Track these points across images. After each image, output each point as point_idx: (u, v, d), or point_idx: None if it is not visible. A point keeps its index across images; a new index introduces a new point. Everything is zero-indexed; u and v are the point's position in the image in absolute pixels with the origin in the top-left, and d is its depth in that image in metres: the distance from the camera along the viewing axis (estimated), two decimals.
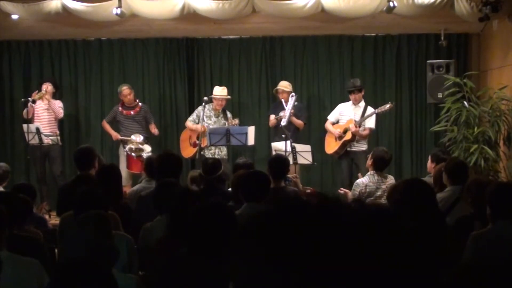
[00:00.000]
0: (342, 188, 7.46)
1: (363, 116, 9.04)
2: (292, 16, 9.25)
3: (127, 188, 7.55)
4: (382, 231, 1.05)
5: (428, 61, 9.80)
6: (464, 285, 2.03)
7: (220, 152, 9.33)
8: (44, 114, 9.57)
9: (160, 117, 10.37)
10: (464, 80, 8.77)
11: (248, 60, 10.43)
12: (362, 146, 9.05)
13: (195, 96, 10.38)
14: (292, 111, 9.17)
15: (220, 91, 9.52)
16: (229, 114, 9.64)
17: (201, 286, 3.21)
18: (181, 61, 10.47)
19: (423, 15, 9.07)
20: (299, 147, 8.66)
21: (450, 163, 5.86)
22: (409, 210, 3.82)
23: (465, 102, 8.69)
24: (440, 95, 9.36)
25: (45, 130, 9.36)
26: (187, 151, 9.60)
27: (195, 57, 10.48)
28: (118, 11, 8.76)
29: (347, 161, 9.13)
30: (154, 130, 9.75)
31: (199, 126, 9.30)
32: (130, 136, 9.41)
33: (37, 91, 9.60)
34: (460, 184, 5.36)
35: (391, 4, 8.45)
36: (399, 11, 8.77)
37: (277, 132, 9.34)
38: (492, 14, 8.10)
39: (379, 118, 9.37)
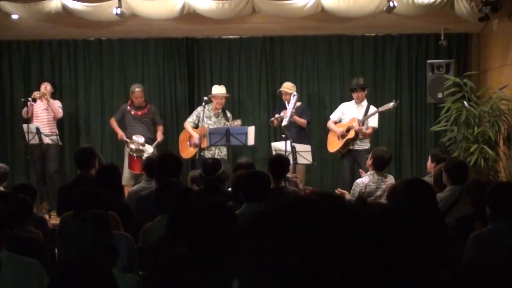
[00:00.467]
0: (339, 189, 7.45)
1: (366, 115, 9.05)
2: (292, 16, 9.25)
3: (129, 188, 7.56)
4: (385, 231, 1.05)
5: (428, 61, 9.80)
6: (464, 285, 2.03)
7: (220, 153, 9.33)
8: (43, 114, 9.58)
9: (160, 117, 10.36)
10: (464, 80, 8.77)
11: (248, 60, 10.43)
12: (365, 145, 9.04)
13: (195, 96, 10.38)
14: (294, 110, 9.16)
15: (219, 90, 9.52)
16: (229, 114, 9.64)
17: (201, 286, 3.21)
18: (181, 61, 10.47)
19: (423, 15, 9.07)
20: (299, 147, 8.66)
21: (450, 163, 5.86)
22: (409, 210, 3.82)
23: (465, 102, 8.68)
24: (440, 95, 9.36)
25: (44, 130, 9.36)
26: (187, 152, 9.58)
27: (195, 57, 10.48)
28: (118, 11, 8.76)
29: (349, 160, 9.13)
30: (159, 134, 9.74)
31: (196, 136, 9.30)
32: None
33: (37, 91, 9.61)
34: (460, 184, 5.37)
35: (391, 4, 8.44)
36: (399, 11, 8.77)
37: (282, 131, 9.34)
38: (492, 14, 8.09)
39: (380, 117, 9.36)
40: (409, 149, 10.28)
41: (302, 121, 9.38)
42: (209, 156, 9.08)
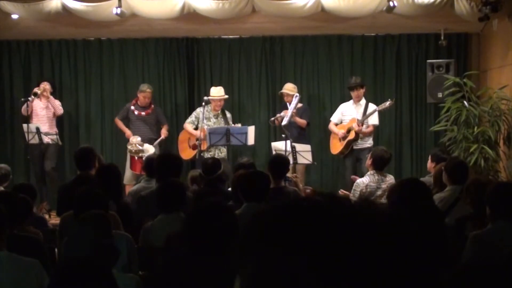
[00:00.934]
0: (342, 190, 7.47)
1: (365, 114, 9.05)
2: (292, 16, 9.25)
3: (131, 187, 7.56)
4: (390, 233, 1.05)
5: (428, 61, 9.81)
6: (464, 285, 2.04)
7: (220, 154, 9.31)
8: (43, 112, 9.58)
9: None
10: (464, 80, 8.77)
11: (248, 60, 10.43)
12: (366, 143, 9.03)
13: (195, 96, 10.38)
14: (295, 111, 9.16)
15: (217, 92, 9.48)
16: (228, 115, 9.63)
17: (201, 286, 3.21)
18: (181, 61, 10.47)
19: (423, 15, 9.06)
20: (299, 146, 8.66)
21: (450, 163, 5.86)
22: (407, 210, 3.82)
23: (465, 102, 8.69)
24: (440, 95, 9.37)
25: (44, 128, 9.36)
26: (186, 153, 9.55)
27: (195, 57, 10.48)
28: (118, 11, 8.76)
29: (351, 159, 9.14)
30: (163, 131, 9.73)
31: (197, 132, 9.29)
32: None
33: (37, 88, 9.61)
34: (460, 184, 5.36)
35: (391, 4, 8.45)
36: (399, 11, 8.77)
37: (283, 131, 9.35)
38: (492, 14, 8.10)
39: (380, 116, 9.37)
40: (409, 149, 10.28)
41: (302, 121, 9.38)
42: (209, 155, 9.07)
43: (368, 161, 6.99)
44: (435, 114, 9.73)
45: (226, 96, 9.60)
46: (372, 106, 9.11)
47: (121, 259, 3.94)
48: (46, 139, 9.35)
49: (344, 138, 9.11)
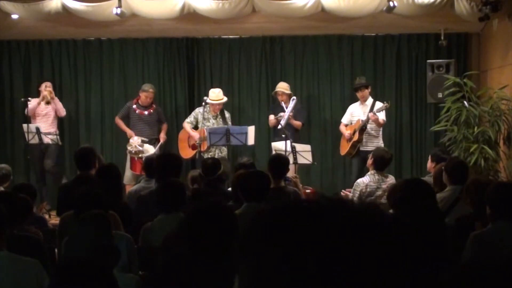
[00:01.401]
0: (343, 191, 7.48)
1: (372, 110, 9.09)
2: (292, 16, 9.25)
3: (130, 187, 7.56)
4: (392, 235, 1.05)
5: (428, 61, 9.80)
6: (464, 285, 2.03)
7: (220, 153, 9.32)
8: (46, 110, 9.59)
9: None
10: (464, 80, 8.77)
11: (248, 60, 10.43)
12: (374, 145, 8.98)
13: (195, 96, 10.38)
14: (291, 114, 9.20)
15: (215, 96, 9.42)
16: (227, 114, 9.62)
17: (201, 286, 3.21)
18: (181, 61, 10.47)
19: (423, 15, 9.06)
20: (299, 146, 8.67)
21: (450, 163, 5.86)
22: (408, 210, 3.82)
23: (465, 102, 8.68)
24: (440, 95, 9.37)
25: (47, 128, 9.37)
26: (186, 152, 9.56)
27: (195, 57, 10.48)
28: (118, 11, 8.76)
29: (358, 160, 9.16)
30: (162, 134, 9.73)
31: (196, 135, 9.30)
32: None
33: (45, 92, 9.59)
34: (460, 184, 5.36)
35: (391, 4, 8.45)
36: (399, 11, 8.77)
37: (277, 132, 9.36)
38: (492, 14, 8.09)
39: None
40: (409, 149, 10.28)
41: (297, 123, 9.42)
42: (209, 155, 9.08)
43: (369, 161, 7.00)
44: (435, 114, 9.73)
45: (225, 100, 9.56)
46: (379, 104, 9.12)
47: (121, 259, 3.93)
48: (46, 139, 9.35)
49: (349, 139, 9.17)
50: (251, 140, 8.84)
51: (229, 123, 9.49)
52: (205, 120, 9.40)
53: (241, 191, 5.12)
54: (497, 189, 4.14)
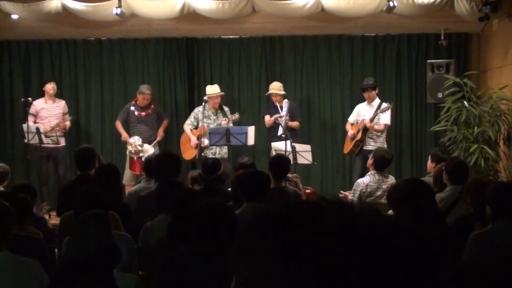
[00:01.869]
0: (342, 191, 7.48)
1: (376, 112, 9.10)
2: (292, 16, 9.25)
3: (131, 187, 7.56)
4: (391, 237, 1.04)
5: (428, 61, 9.81)
6: (464, 285, 2.03)
7: (221, 151, 9.34)
8: (52, 110, 9.60)
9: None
10: (464, 80, 8.77)
11: (248, 60, 10.42)
12: (377, 145, 8.99)
13: (195, 96, 10.38)
14: (288, 118, 9.20)
15: (212, 90, 9.51)
16: (226, 108, 9.64)
17: (201, 286, 3.21)
18: (181, 61, 10.46)
19: (423, 15, 9.07)
20: (299, 147, 8.67)
21: (450, 163, 5.85)
22: (408, 210, 3.82)
23: (465, 102, 8.68)
24: (440, 95, 9.37)
25: (53, 131, 9.40)
26: (189, 153, 9.56)
27: (195, 57, 10.48)
28: (118, 11, 8.76)
29: (360, 160, 9.17)
30: (160, 131, 9.74)
31: (194, 139, 9.31)
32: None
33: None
34: (460, 184, 5.36)
35: (391, 4, 8.45)
36: (399, 11, 8.77)
37: (274, 133, 9.38)
38: (492, 14, 8.09)
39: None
40: (409, 149, 10.28)
41: (295, 124, 9.44)
42: (210, 155, 9.08)
43: (369, 161, 7.00)
44: (435, 114, 9.73)
45: (222, 93, 9.59)
46: (384, 106, 9.12)
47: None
48: (46, 140, 9.34)
49: (352, 138, 9.19)
50: (251, 140, 8.85)
51: (229, 116, 9.49)
52: (205, 118, 9.41)
53: (241, 191, 5.12)
54: (497, 189, 4.14)
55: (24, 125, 9.32)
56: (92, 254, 3.44)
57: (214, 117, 9.51)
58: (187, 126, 9.63)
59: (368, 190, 6.79)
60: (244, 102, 10.47)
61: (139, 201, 5.80)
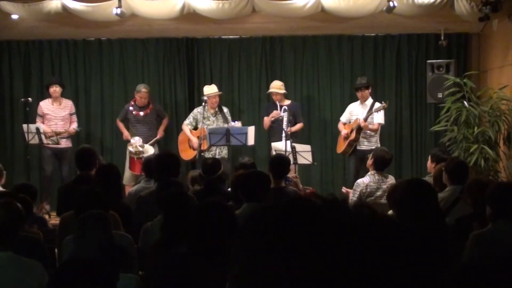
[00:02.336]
0: (344, 188, 7.47)
1: (370, 111, 9.09)
2: (292, 16, 9.25)
3: (131, 187, 7.56)
4: (388, 236, 1.04)
5: (428, 61, 9.80)
6: (464, 285, 2.03)
7: (220, 152, 9.33)
8: (57, 113, 9.60)
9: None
10: (464, 80, 8.77)
11: (248, 60, 10.42)
12: (372, 145, 8.98)
13: (195, 96, 10.37)
14: (290, 129, 9.12)
15: (210, 89, 9.50)
16: (225, 109, 9.62)
17: (201, 286, 3.21)
18: (181, 61, 10.46)
19: (423, 15, 9.07)
20: (299, 147, 8.67)
21: (450, 163, 5.85)
22: (409, 210, 3.82)
23: (465, 102, 8.69)
24: (440, 95, 9.37)
25: (59, 127, 9.42)
26: (186, 153, 9.54)
27: (195, 57, 10.47)
28: (118, 11, 8.76)
29: (354, 160, 9.16)
30: (160, 130, 9.75)
31: (194, 139, 9.31)
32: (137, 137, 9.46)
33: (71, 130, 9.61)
34: (460, 184, 5.36)
35: (391, 4, 8.45)
36: (399, 11, 8.77)
37: (273, 133, 9.37)
38: (492, 14, 8.10)
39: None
40: (409, 149, 10.28)
41: (299, 127, 9.42)
42: (210, 155, 9.07)
43: (369, 161, 6.99)
44: (435, 114, 9.73)
45: (220, 92, 9.59)
46: (377, 105, 9.11)
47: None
48: (46, 140, 9.34)
49: (346, 138, 9.16)
50: (251, 140, 8.84)
51: (229, 118, 9.48)
52: (205, 119, 9.40)
53: (241, 191, 5.12)
54: (497, 189, 4.14)
55: (24, 125, 9.32)
56: (96, 254, 3.43)
57: (213, 118, 9.50)
58: (186, 126, 9.62)
59: (368, 190, 6.79)
60: (244, 102, 10.46)
61: (139, 201, 5.80)
